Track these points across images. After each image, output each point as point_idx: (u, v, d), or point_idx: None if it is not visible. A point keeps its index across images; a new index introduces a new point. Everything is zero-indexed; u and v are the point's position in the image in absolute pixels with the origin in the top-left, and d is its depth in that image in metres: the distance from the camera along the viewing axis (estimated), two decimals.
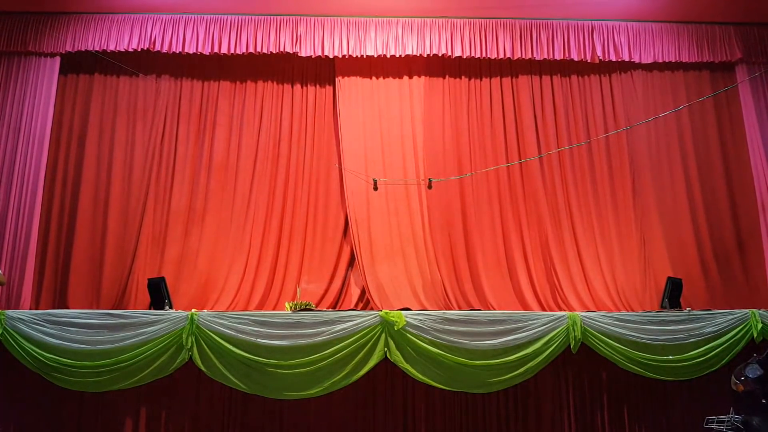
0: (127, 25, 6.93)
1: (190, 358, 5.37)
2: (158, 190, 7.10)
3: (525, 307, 6.80)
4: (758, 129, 6.98)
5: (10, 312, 5.51)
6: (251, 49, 6.93)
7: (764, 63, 7.16)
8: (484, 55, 7.07)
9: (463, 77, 7.52)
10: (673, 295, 6.51)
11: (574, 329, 5.53)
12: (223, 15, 7.00)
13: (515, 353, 5.47)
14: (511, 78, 7.52)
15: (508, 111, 7.45)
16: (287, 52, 6.98)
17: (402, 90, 7.45)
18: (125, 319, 5.47)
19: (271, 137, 7.34)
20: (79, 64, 7.23)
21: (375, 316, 5.52)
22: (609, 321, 5.66)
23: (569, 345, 5.53)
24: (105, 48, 6.89)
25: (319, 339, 5.40)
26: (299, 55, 7.00)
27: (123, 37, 6.89)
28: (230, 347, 5.36)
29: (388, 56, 7.05)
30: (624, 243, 7.11)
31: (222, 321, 5.46)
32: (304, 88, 7.50)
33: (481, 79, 7.53)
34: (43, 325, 5.38)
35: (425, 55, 7.08)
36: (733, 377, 5.58)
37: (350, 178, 7.15)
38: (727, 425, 5.42)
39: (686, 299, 6.65)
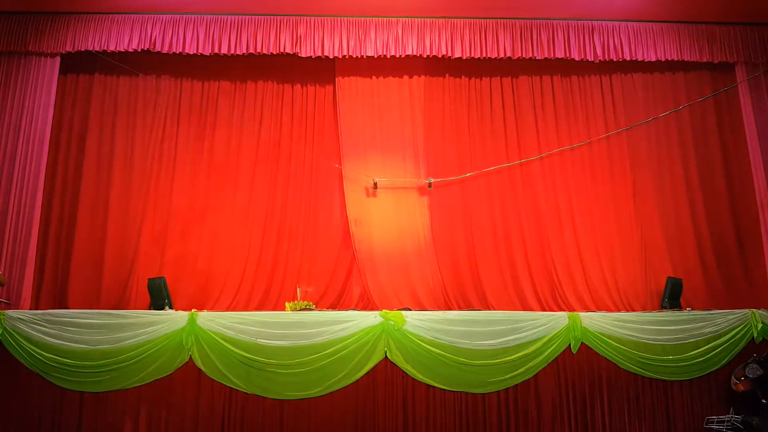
0: (127, 25, 6.93)
1: (190, 358, 5.37)
2: (158, 190, 7.09)
3: (525, 307, 6.81)
4: (758, 129, 6.99)
5: (10, 312, 5.51)
6: (251, 50, 6.92)
7: (764, 63, 7.17)
8: (484, 55, 7.06)
9: (463, 77, 7.52)
10: (673, 295, 6.52)
11: (574, 329, 5.54)
12: (223, 15, 7.00)
13: (515, 353, 5.47)
14: (511, 78, 7.52)
15: (508, 111, 7.46)
16: (287, 53, 6.98)
17: (402, 90, 7.45)
18: (125, 319, 5.47)
19: (271, 137, 7.34)
20: (79, 64, 7.22)
21: (375, 316, 5.52)
22: (609, 321, 5.67)
23: (569, 345, 5.54)
24: (105, 48, 6.90)
25: (319, 339, 5.40)
26: (299, 55, 6.99)
27: (123, 37, 6.89)
28: (230, 347, 5.36)
29: (388, 56, 7.05)
30: (624, 243, 7.12)
31: (222, 321, 5.47)
32: (304, 88, 7.50)
33: (481, 79, 7.53)
34: (43, 325, 5.38)
35: (425, 56, 7.07)
36: (733, 377, 5.60)
37: (350, 179, 7.15)
38: (727, 425, 5.43)
39: (686, 299, 6.67)
